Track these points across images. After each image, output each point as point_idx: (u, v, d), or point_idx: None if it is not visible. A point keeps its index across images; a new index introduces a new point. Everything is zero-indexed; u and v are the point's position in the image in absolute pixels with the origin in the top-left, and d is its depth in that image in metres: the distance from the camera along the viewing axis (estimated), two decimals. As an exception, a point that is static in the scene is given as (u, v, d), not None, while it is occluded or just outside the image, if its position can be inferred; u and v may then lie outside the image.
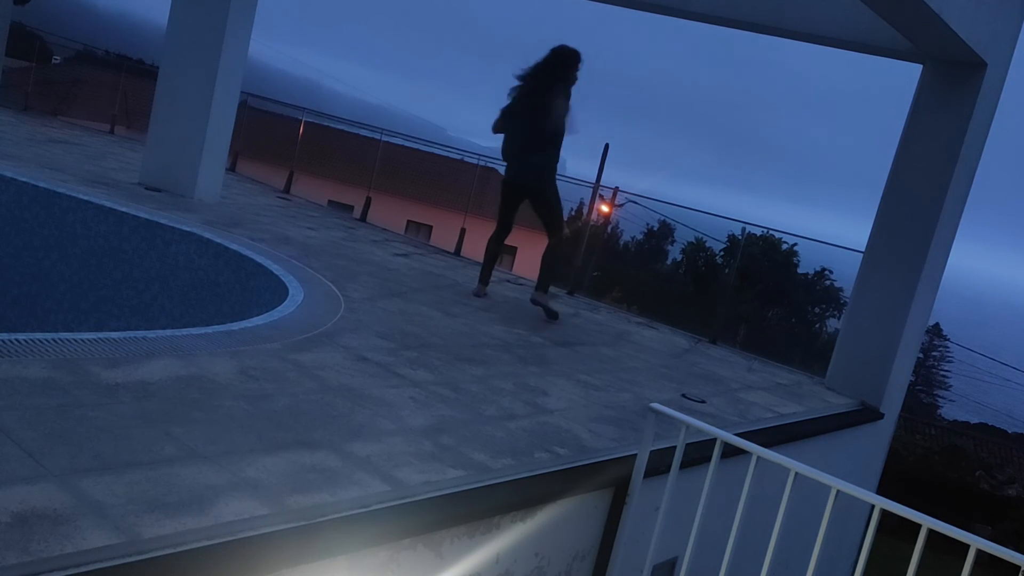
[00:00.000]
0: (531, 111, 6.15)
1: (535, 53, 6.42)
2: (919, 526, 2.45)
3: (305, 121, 12.63)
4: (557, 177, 6.42)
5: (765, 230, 25.38)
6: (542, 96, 6.12)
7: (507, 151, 6.39)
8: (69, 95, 19.48)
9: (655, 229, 36.14)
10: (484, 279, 6.66)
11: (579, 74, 6.19)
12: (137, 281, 6.32)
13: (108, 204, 6.50)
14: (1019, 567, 2.35)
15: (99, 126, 13.68)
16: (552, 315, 6.29)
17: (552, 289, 6.66)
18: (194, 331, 3.84)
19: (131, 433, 2.61)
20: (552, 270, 6.54)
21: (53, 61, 22.05)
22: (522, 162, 6.30)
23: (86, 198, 6.54)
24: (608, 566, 3.42)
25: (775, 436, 4.66)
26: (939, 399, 43.71)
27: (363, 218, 10.16)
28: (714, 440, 3.01)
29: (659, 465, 3.38)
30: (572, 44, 6.23)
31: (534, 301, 6.33)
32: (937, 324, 45.40)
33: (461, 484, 2.86)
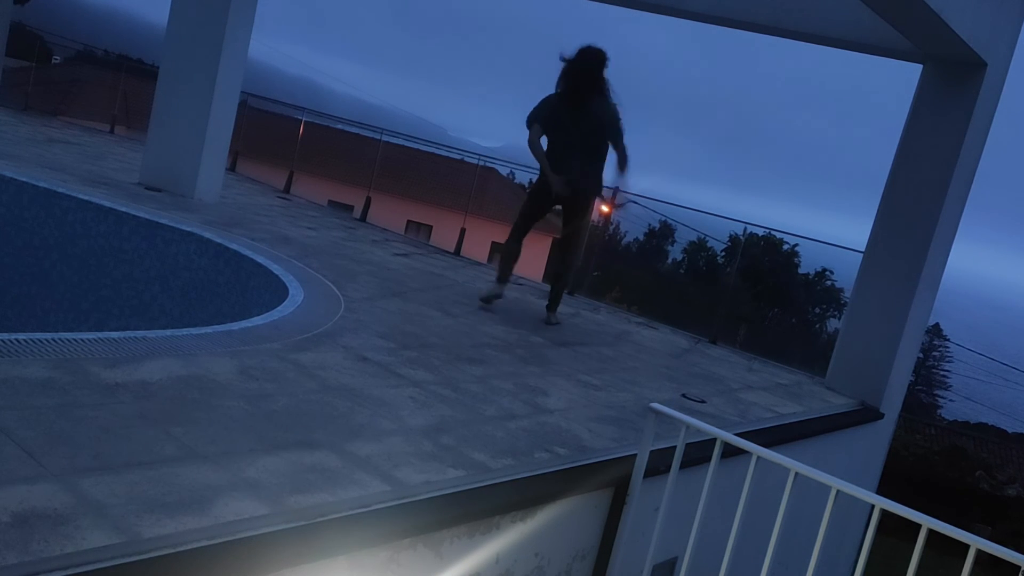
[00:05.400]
0: (576, 118, 5.82)
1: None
2: (919, 526, 2.45)
3: (305, 121, 12.64)
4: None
5: (766, 230, 25.41)
6: (583, 101, 5.82)
7: (555, 158, 5.94)
8: (69, 95, 19.49)
9: (656, 229, 36.18)
10: (504, 279, 6.29)
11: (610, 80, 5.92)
12: (137, 281, 6.32)
13: (108, 204, 6.50)
14: (1019, 567, 2.35)
15: (99, 126, 13.68)
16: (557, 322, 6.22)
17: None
18: (194, 331, 3.84)
19: (131, 433, 2.61)
20: (566, 285, 6.39)
21: (53, 61, 22.06)
22: (581, 170, 5.95)
23: (86, 198, 6.54)
24: (608, 566, 3.42)
25: (775, 436, 4.66)
26: (939, 399, 43.72)
27: (363, 218, 10.16)
28: (714, 440, 3.01)
29: (659, 465, 3.38)
30: (572, 43, 6.09)
31: (551, 323, 6.13)
32: (937, 324, 45.41)
33: (461, 484, 2.86)
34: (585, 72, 5.81)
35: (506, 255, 6.35)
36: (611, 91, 5.92)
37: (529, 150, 5.93)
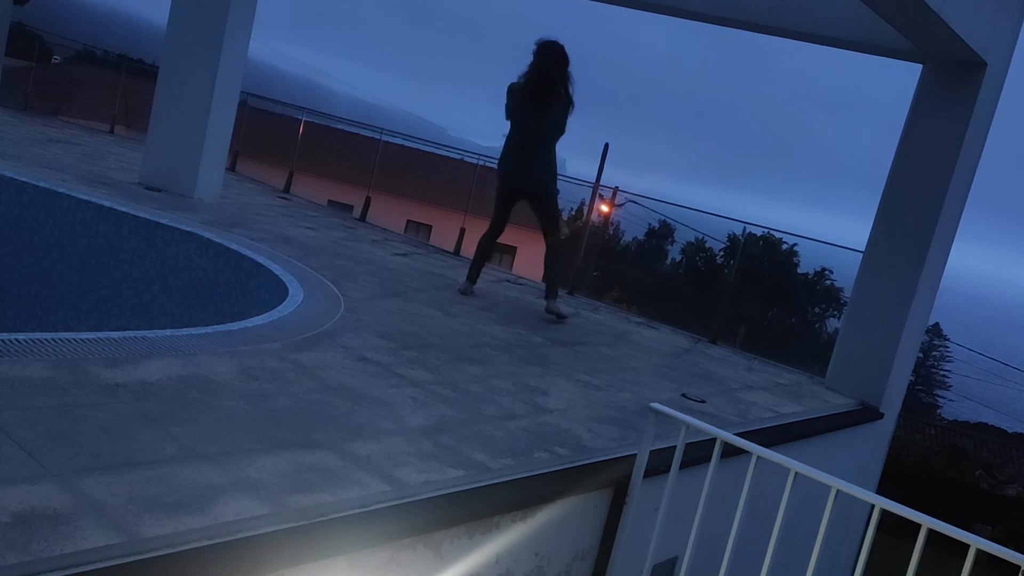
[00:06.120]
0: (534, 111, 6.08)
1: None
2: (919, 526, 2.45)
3: (305, 121, 12.64)
4: (559, 177, 6.41)
5: (765, 230, 25.42)
6: (545, 95, 6.05)
7: (508, 149, 6.33)
8: (69, 95, 19.48)
9: (655, 229, 36.17)
10: (473, 277, 6.60)
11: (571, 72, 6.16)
12: (137, 281, 6.32)
13: (108, 204, 6.50)
14: (1019, 567, 2.35)
15: (99, 126, 13.69)
16: (562, 318, 6.30)
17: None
18: (194, 331, 3.84)
19: (131, 433, 2.61)
20: (558, 273, 6.54)
21: (53, 61, 22.05)
22: (526, 163, 6.25)
23: (86, 198, 6.54)
24: (608, 566, 3.42)
25: (775, 436, 4.66)
26: (939, 399, 43.69)
27: (363, 218, 10.16)
28: (714, 440, 3.01)
29: (659, 465, 3.37)
30: (573, 43, 6.19)
31: (549, 311, 6.26)
32: (937, 324, 45.37)
33: (461, 484, 2.86)
34: (547, 70, 6.05)
35: (477, 255, 6.67)
36: (572, 85, 6.13)
37: None
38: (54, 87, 19.17)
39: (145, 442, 2.57)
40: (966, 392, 43.56)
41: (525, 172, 6.27)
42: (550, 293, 6.36)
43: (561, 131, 6.17)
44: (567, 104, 6.12)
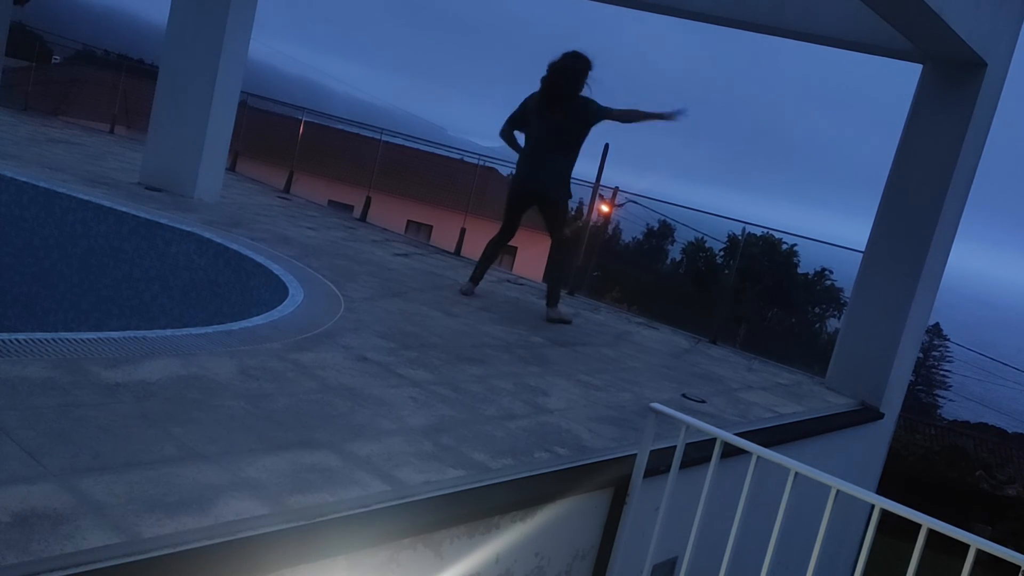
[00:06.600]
0: (543, 116, 6.09)
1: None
2: (919, 526, 2.45)
3: (305, 121, 12.64)
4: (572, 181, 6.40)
5: (765, 230, 25.38)
6: (552, 101, 6.05)
7: (521, 156, 6.34)
8: (69, 95, 19.49)
9: (655, 229, 36.20)
10: (476, 279, 6.60)
11: (590, 81, 6.10)
12: (137, 281, 6.32)
13: (108, 204, 6.50)
14: (1019, 567, 2.35)
15: (99, 126, 13.69)
16: (567, 322, 6.30)
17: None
18: (194, 331, 3.84)
19: (131, 433, 2.61)
20: (559, 279, 6.55)
21: (53, 61, 22.06)
22: (534, 167, 6.22)
23: (86, 198, 6.54)
24: (608, 566, 3.42)
25: (775, 436, 4.66)
26: (939, 399, 43.69)
27: (363, 218, 10.16)
28: (714, 440, 3.01)
29: (659, 465, 3.38)
30: (572, 43, 6.21)
31: (550, 319, 6.24)
32: (937, 324, 45.37)
33: (461, 484, 2.86)
34: (561, 76, 6.05)
35: (482, 258, 6.70)
36: (592, 97, 6.09)
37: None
38: (54, 87, 19.18)
39: (145, 442, 2.57)
40: (966, 392, 43.54)
41: (532, 177, 6.25)
42: (551, 300, 6.34)
43: (576, 131, 6.11)
44: (581, 109, 6.05)
